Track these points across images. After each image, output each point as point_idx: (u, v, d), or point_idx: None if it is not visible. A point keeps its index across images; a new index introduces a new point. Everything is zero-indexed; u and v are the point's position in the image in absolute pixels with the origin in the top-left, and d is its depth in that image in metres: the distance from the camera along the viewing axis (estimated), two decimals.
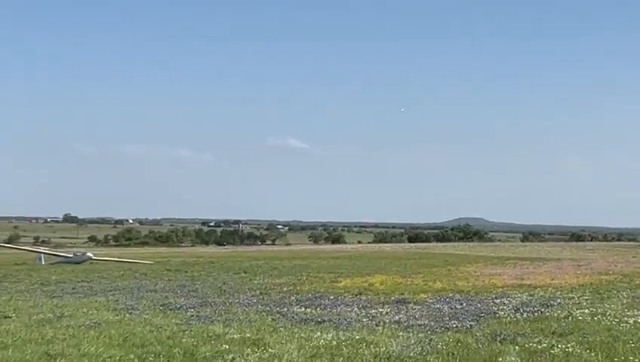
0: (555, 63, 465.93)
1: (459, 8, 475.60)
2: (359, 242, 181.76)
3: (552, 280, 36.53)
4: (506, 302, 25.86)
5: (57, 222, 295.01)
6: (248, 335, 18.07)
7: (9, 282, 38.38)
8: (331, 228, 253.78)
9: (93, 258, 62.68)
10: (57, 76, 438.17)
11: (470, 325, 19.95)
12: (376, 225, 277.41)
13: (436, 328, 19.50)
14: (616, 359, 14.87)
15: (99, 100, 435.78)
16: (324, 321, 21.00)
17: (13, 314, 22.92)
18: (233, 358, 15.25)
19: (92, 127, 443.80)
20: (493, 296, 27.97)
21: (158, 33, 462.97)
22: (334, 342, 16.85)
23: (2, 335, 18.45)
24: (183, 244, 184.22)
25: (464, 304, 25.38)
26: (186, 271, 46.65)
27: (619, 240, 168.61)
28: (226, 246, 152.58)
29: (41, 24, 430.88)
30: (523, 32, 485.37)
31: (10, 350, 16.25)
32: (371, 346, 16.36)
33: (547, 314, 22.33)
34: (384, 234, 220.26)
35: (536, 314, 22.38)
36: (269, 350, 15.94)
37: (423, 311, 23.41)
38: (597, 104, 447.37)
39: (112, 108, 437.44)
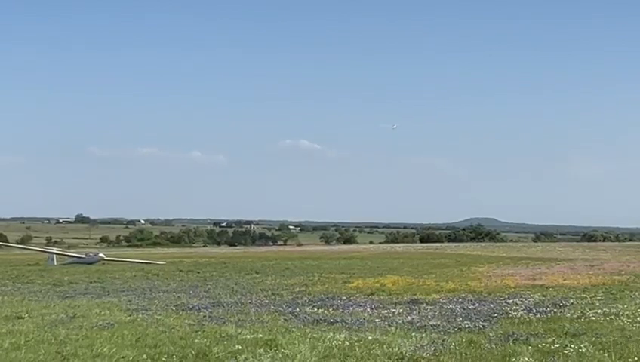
0: (566, 62, 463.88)
1: (466, 20, 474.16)
2: (371, 242, 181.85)
3: (565, 280, 36.41)
4: (518, 302, 25.78)
5: (69, 222, 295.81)
6: (261, 335, 18.04)
7: (22, 283, 38.51)
8: (343, 229, 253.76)
9: (105, 258, 62.98)
10: (70, 78, 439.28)
11: (483, 325, 19.89)
12: (387, 226, 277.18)
13: (449, 328, 19.45)
14: (629, 359, 14.79)
15: (111, 102, 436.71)
16: (336, 322, 20.97)
17: (26, 315, 22.94)
18: (246, 359, 15.22)
19: (105, 129, 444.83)
20: (506, 297, 27.90)
21: (170, 37, 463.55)
22: (347, 343, 16.79)
23: (15, 335, 18.46)
24: (194, 245, 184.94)
25: (476, 304, 25.31)
26: (198, 272, 46.75)
27: (631, 240, 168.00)
28: (237, 247, 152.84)
29: (55, 27, 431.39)
30: (530, 37, 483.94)
31: (23, 350, 16.26)
32: (384, 346, 16.32)
33: (560, 314, 22.25)
34: (396, 234, 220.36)
35: (549, 314, 22.31)
36: (282, 350, 15.91)
37: (435, 312, 23.36)
38: (609, 103, 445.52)
39: (125, 110, 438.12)
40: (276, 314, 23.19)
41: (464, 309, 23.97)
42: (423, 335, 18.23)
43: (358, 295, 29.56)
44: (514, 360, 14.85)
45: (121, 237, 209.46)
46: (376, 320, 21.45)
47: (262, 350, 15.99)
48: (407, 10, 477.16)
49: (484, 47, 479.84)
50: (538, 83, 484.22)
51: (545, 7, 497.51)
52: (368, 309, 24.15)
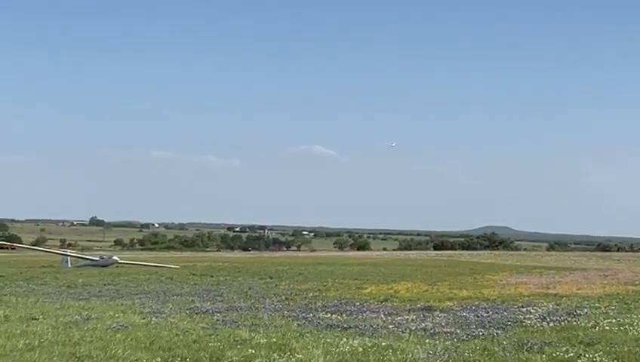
0: (579, 69, 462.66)
1: (481, 28, 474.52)
2: (384, 249, 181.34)
3: (579, 289, 36.33)
4: (532, 310, 25.70)
5: (84, 225, 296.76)
6: (274, 340, 18.05)
7: (36, 284, 38.67)
8: (357, 235, 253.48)
9: (119, 261, 63.14)
10: (85, 82, 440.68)
11: (496, 333, 19.84)
12: (401, 233, 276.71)
13: (462, 336, 19.42)
14: None
15: (127, 105, 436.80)
16: (350, 327, 20.96)
17: (40, 316, 23.05)
18: None
19: (120, 132, 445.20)
20: (520, 305, 27.82)
21: (186, 40, 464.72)
22: (360, 349, 16.80)
23: (29, 337, 18.54)
24: (208, 249, 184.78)
25: (490, 312, 25.25)
26: (212, 276, 46.87)
27: None
28: (251, 252, 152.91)
29: (71, 29, 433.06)
30: (542, 45, 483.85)
31: (38, 352, 16.32)
32: (397, 353, 16.32)
33: (574, 323, 22.17)
34: (409, 241, 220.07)
35: (562, 323, 22.23)
36: (296, 355, 15.93)
37: (449, 319, 23.33)
38: (624, 111, 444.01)
39: (140, 113, 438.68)
40: (290, 318, 23.20)
41: (478, 317, 23.93)
42: (437, 342, 18.20)
43: (371, 301, 29.56)
44: None
45: (135, 241, 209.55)
46: (390, 326, 21.43)
47: (275, 354, 16.02)
48: (422, 17, 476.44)
49: (497, 56, 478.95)
50: (552, 91, 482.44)
51: (553, 16, 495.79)
52: (382, 315, 24.14)
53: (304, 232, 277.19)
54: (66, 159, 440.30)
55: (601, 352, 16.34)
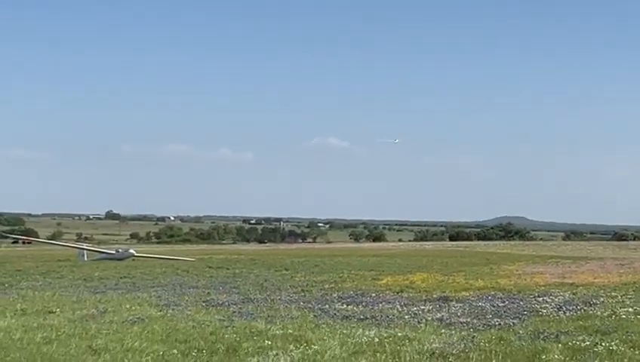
0: (594, 61, 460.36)
1: (496, 21, 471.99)
2: (400, 240, 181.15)
3: (595, 278, 36.26)
4: (548, 300, 25.69)
5: (100, 219, 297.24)
6: (290, 331, 18.07)
7: (53, 278, 38.80)
8: (372, 227, 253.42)
9: (136, 255, 63.34)
10: (101, 77, 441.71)
11: (513, 323, 19.84)
12: (417, 224, 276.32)
13: (478, 326, 19.41)
14: None
15: (142, 100, 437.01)
16: (366, 318, 20.98)
17: (57, 310, 23.11)
18: (276, 354, 15.24)
19: (135, 127, 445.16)
20: (536, 295, 27.81)
21: (200, 36, 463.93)
22: (377, 339, 16.78)
23: (46, 330, 18.60)
24: (224, 242, 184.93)
25: (506, 302, 25.25)
26: (228, 268, 46.95)
27: None
28: (267, 244, 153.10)
29: (87, 27, 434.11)
30: (563, 37, 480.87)
31: (55, 344, 16.37)
32: (414, 343, 16.29)
33: (590, 312, 22.14)
34: (425, 232, 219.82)
35: (579, 312, 22.21)
36: (312, 346, 15.92)
37: (465, 309, 23.32)
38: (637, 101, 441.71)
39: (155, 108, 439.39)
40: (306, 310, 23.22)
41: (494, 307, 23.93)
42: (453, 332, 18.20)
43: (387, 292, 29.58)
44: (544, 357, 14.76)
45: (151, 234, 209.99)
46: (406, 316, 21.43)
47: (292, 345, 16.01)
48: (436, 12, 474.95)
49: (512, 47, 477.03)
50: (565, 82, 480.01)
51: (569, 7, 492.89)
52: (398, 306, 24.14)
53: (320, 224, 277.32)
54: (81, 154, 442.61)
55: (617, 341, 16.26)
